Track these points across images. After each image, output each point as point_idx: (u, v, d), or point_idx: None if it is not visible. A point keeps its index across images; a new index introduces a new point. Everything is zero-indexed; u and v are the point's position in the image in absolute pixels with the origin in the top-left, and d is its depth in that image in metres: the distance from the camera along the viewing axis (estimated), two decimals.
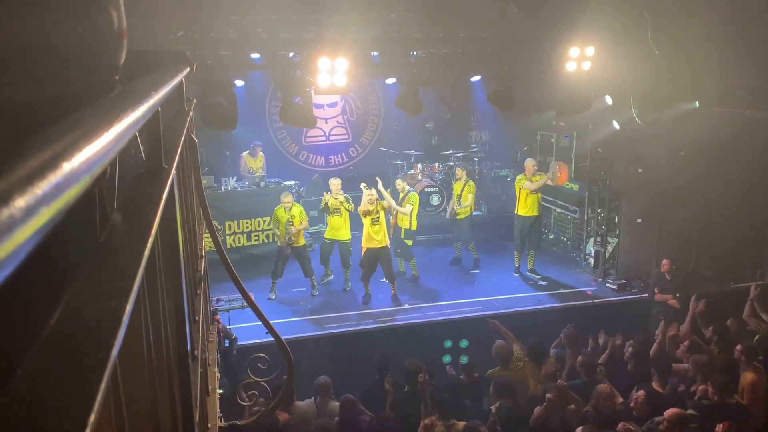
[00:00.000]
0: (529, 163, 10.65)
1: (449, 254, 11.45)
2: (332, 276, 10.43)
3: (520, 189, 10.54)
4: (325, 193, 10.18)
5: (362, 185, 9.95)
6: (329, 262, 10.33)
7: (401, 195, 10.44)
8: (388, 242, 9.76)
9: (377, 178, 10.18)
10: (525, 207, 10.55)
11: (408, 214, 10.29)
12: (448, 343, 9.03)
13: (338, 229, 10.02)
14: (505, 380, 6.79)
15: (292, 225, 9.69)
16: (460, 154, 13.11)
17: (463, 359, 8.74)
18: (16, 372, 0.56)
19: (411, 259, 10.55)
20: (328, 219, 10.09)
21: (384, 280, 9.81)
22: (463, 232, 11.19)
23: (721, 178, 9.84)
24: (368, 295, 9.77)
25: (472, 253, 11.19)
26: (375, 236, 9.54)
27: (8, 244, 0.40)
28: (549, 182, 10.53)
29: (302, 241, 10.00)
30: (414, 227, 10.64)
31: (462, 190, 11.04)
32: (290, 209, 9.76)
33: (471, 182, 11.28)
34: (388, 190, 10.32)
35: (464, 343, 9.01)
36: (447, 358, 8.86)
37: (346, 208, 9.88)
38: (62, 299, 0.74)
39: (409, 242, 10.53)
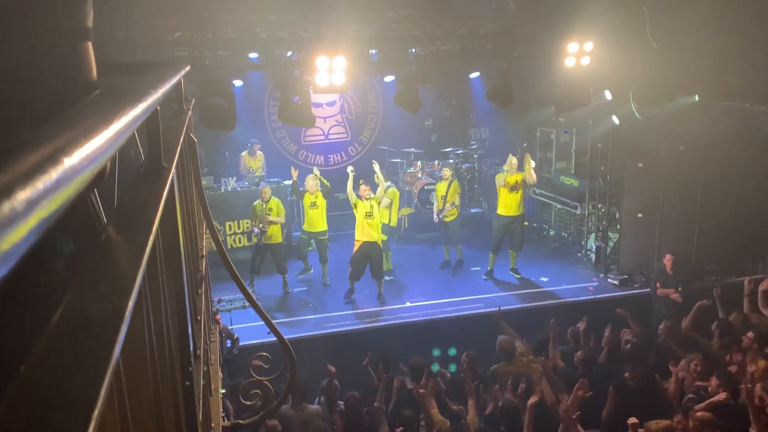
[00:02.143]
0: (508, 161, 10.37)
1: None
2: (312, 270, 10.55)
3: (498, 187, 10.38)
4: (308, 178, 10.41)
5: (349, 169, 10.06)
6: (307, 258, 10.50)
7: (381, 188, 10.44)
8: (380, 240, 9.74)
9: (374, 161, 10.21)
10: (504, 206, 10.33)
11: (388, 208, 10.29)
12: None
13: (315, 222, 10.26)
14: (524, 377, 6.74)
15: (269, 215, 9.88)
16: (460, 151, 13.11)
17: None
18: (20, 369, 0.56)
19: (386, 251, 10.59)
20: (305, 213, 10.35)
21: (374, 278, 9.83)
22: (452, 234, 10.99)
23: (722, 171, 9.83)
24: (351, 291, 9.78)
25: (457, 254, 11.05)
26: (370, 229, 9.54)
27: (11, 237, 0.40)
28: (512, 174, 10.18)
29: (279, 239, 10.13)
30: (393, 223, 10.65)
31: (447, 191, 10.82)
32: (267, 201, 9.92)
33: (456, 182, 11.06)
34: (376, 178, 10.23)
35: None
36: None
37: (322, 197, 10.24)
38: (64, 297, 0.74)
39: (384, 237, 10.48)
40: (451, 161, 12.71)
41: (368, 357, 7.34)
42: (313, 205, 10.23)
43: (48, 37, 1.21)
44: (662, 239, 10.24)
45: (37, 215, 0.44)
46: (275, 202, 10.02)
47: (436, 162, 12.82)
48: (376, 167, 10.08)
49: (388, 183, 10.89)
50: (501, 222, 10.40)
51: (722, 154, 9.79)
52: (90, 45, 1.35)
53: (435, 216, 11.04)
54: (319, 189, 10.24)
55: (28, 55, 1.17)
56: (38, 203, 0.45)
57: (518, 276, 10.54)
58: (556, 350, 7.48)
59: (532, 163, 10.28)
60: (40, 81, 1.20)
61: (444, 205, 10.83)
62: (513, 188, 10.19)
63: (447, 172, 11.03)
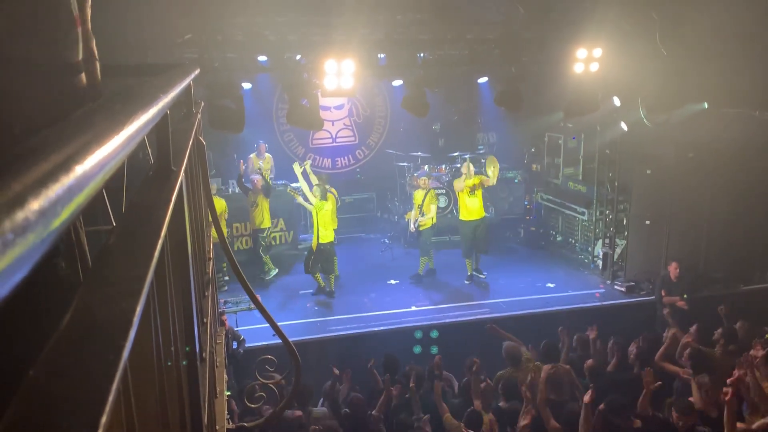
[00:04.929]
0: (466, 165, 10.55)
1: (456, 256, 11.10)
2: (276, 270, 10.82)
3: (458, 192, 10.48)
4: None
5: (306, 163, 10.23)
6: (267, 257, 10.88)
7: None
8: (316, 242, 9.90)
9: (304, 162, 10.22)
10: (466, 210, 10.43)
11: (310, 206, 10.14)
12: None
13: (256, 219, 10.69)
14: (513, 381, 6.74)
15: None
16: (467, 155, 13.07)
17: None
18: (29, 373, 0.56)
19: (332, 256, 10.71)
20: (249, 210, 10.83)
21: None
22: (422, 243, 10.83)
23: (730, 179, 9.77)
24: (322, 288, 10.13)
25: (429, 263, 10.86)
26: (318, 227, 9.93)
27: (23, 245, 0.40)
28: (470, 178, 10.23)
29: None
30: (334, 225, 10.63)
31: (424, 200, 10.70)
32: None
33: (432, 192, 10.94)
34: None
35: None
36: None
37: (263, 197, 10.60)
38: (74, 300, 0.75)
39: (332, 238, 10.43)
40: (458, 165, 12.68)
41: (373, 360, 7.32)
42: (253, 204, 10.60)
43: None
44: (670, 246, 10.18)
45: (51, 223, 0.45)
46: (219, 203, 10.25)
47: (444, 166, 12.80)
48: (297, 171, 10.03)
49: (327, 186, 10.82)
50: (466, 228, 10.48)
51: (731, 161, 9.74)
52: (82, 76, 1.35)
53: (411, 225, 10.91)
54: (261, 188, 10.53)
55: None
56: (51, 211, 0.45)
57: (483, 276, 10.55)
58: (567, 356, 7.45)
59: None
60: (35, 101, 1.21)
61: (419, 214, 10.70)
62: (471, 191, 10.28)
63: (424, 181, 10.90)
